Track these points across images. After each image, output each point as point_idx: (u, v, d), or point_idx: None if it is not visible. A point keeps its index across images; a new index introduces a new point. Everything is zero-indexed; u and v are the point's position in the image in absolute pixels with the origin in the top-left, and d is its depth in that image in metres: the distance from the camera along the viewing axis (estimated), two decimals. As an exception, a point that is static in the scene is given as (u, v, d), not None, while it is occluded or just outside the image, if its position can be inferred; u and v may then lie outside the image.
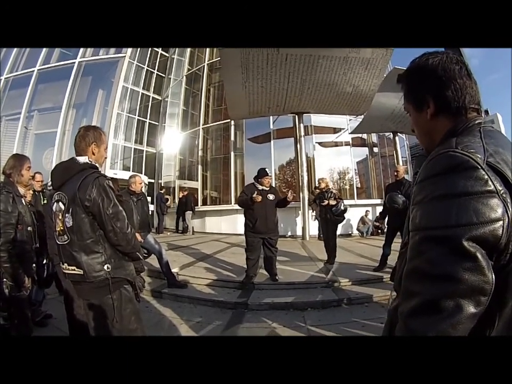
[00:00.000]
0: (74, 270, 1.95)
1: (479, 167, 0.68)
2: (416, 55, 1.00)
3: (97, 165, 2.09)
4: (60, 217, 1.96)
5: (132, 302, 2.08)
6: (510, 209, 0.66)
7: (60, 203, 1.97)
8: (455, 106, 0.85)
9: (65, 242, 1.96)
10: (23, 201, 2.73)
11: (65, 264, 1.99)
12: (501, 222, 0.65)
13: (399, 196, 5.37)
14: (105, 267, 1.94)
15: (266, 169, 5.30)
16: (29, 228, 2.74)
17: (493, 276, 0.66)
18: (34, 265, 2.77)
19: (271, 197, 5.22)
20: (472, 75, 0.87)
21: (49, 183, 3.86)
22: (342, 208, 6.53)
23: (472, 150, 0.71)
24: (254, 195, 5.02)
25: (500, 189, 0.66)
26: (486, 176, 0.67)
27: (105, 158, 2.23)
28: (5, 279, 2.46)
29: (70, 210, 1.91)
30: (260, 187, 5.25)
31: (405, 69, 1.03)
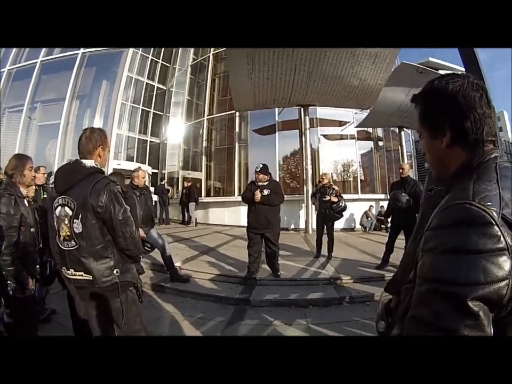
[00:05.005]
0: (82, 275, 1.94)
1: (494, 223, 0.67)
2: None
3: (103, 168, 2.08)
4: (66, 222, 1.93)
5: (136, 303, 2.12)
6: None
7: (66, 208, 1.93)
8: (472, 138, 0.83)
9: (72, 248, 1.94)
10: (25, 202, 2.71)
11: (71, 269, 1.97)
12: (506, 281, 0.65)
13: (403, 194, 5.37)
14: (115, 271, 1.97)
15: (259, 165, 5.27)
16: (32, 229, 2.71)
17: (492, 330, 0.66)
18: (38, 266, 2.78)
19: (265, 192, 5.16)
20: (491, 102, 0.84)
21: (51, 181, 3.87)
22: (342, 205, 6.55)
23: (488, 203, 0.69)
24: (255, 192, 5.12)
25: (511, 244, 0.66)
26: (499, 233, 0.66)
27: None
28: (9, 281, 2.45)
29: (80, 216, 1.90)
30: (258, 183, 5.27)
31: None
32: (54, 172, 2.30)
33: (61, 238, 1.98)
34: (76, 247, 1.93)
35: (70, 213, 1.92)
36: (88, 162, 2.00)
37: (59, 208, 1.97)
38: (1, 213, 2.47)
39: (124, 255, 2.03)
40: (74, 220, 1.90)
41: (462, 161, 0.85)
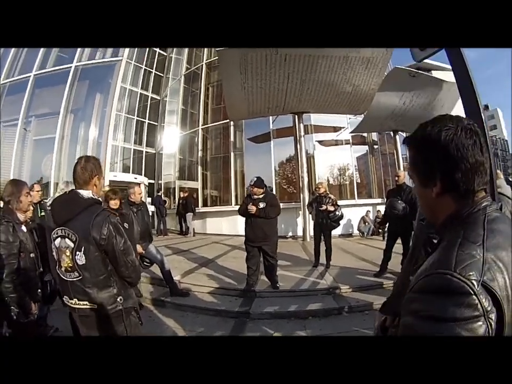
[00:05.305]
0: (86, 305, 1.96)
1: (472, 293, 0.69)
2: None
3: (100, 199, 2.11)
4: (68, 254, 1.93)
5: (138, 326, 2.15)
6: (493, 326, 0.69)
7: (67, 240, 1.93)
8: (463, 189, 0.83)
9: (75, 279, 1.94)
10: (23, 227, 2.72)
11: (75, 299, 1.98)
12: None
13: (399, 202, 5.41)
14: (119, 299, 1.99)
15: (253, 179, 5.30)
16: (32, 255, 2.73)
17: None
18: (39, 290, 2.78)
19: (261, 205, 5.19)
20: (484, 147, 0.83)
21: (48, 203, 3.87)
22: (339, 214, 6.60)
23: (469, 274, 0.71)
24: (249, 206, 5.14)
25: (488, 309, 0.69)
26: (477, 301, 0.68)
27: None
28: (12, 307, 2.45)
29: (82, 249, 1.90)
30: (253, 196, 5.30)
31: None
32: (50, 185, 2.30)
33: (62, 269, 1.97)
34: (80, 278, 1.93)
35: (72, 245, 1.92)
36: (86, 193, 2.00)
37: (59, 239, 1.96)
38: (1, 241, 2.48)
39: (124, 282, 2.06)
40: (77, 252, 1.91)
41: (452, 211, 0.86)
